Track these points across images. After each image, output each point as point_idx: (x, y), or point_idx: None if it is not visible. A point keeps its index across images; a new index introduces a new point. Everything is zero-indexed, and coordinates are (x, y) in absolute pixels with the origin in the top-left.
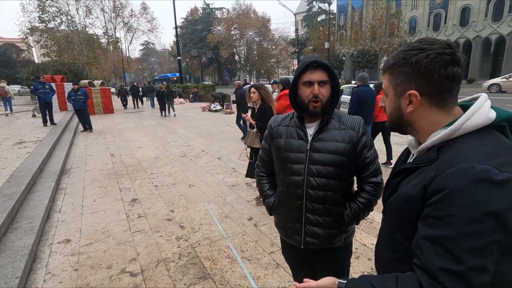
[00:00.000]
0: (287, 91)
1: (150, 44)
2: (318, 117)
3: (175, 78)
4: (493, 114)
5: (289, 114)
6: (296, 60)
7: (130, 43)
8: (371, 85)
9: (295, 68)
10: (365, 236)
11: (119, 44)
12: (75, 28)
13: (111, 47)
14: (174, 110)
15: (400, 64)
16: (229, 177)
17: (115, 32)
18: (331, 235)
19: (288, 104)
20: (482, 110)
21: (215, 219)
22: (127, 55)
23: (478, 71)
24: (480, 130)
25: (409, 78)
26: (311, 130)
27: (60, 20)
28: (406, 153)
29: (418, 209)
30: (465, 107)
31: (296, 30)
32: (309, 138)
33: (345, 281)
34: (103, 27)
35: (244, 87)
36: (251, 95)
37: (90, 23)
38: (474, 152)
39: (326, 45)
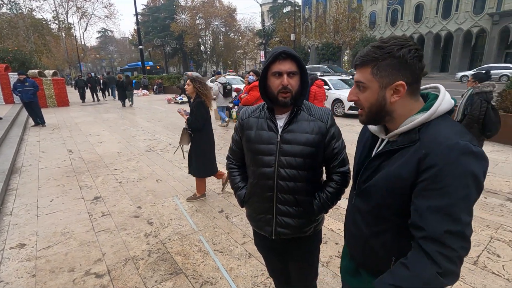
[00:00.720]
0: (257, 83)
1: (108, 32)
2: (288, 108)
3: (157, 67)
4: (452, 101)
5: (259, 105)
6: (263, 52)
7: (85, 30)
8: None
9: (262, 60)
10: (332, 222)
11: (73, 30)
12: (20, 11)
13: (63, 33)
14: (130, 101)
15: (385, 58)
16: None
17: (67, 17)
18: (302, 224)
19: (259, 95)
20: (447, 98)
21: (185, 213)
22: (82, 43)
23: (430, 65)
24: (443, 114)
25: (397, 70)
26: (281, 121)
27: (1, 2)
28: (371, 137)
29: (410, 184)
30: (422, 95)
31: (263, 21)
32: (279, 130)
33: None
34: (53, 11)
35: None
36: (186, 87)
37: (37, 6)
38: (451, 131)
39: (292, 37)
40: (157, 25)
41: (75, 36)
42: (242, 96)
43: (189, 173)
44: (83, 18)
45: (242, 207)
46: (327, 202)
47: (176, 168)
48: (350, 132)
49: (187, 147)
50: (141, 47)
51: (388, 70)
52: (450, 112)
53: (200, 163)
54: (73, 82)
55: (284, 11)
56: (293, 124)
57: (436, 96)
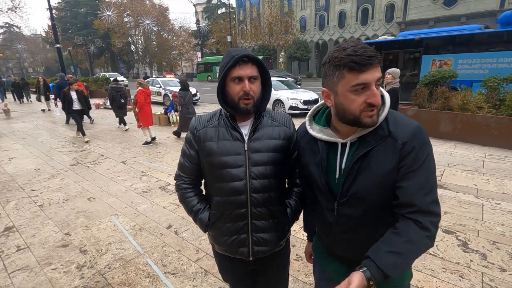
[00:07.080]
0: None
1: (14, 27)
2: (250, 115)
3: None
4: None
5: (215, 113)
6: (200, 53)
7: None
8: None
9: (199, 60)
10: None
11: None
12: None
13: None
14: (30, 98)
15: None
16: (139, 182)
17: None
18: (278, 238)
19: None
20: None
21: (126, 234)
22: None
23: None
24: None
25: None
26: (245, 129)
27: None
28: (324, 146)
29: (396, 177)
30: None
31: (197, 21)
32: (246, 138)
33: (365, 268)
34: None
35: (146, 80)
36: None
37: None
38: (402, 116)
39: (229, 38)
40: (77, 22)
41: None
42: None
43: None
44: None
45: (205, 232)
46: (298, 208)
47: (111, 182)
48: None
49: None
50: (58, 45)
51: None
52: None
53: None
54: None
55: (219, 12)
56: (258, 131)
57: None
